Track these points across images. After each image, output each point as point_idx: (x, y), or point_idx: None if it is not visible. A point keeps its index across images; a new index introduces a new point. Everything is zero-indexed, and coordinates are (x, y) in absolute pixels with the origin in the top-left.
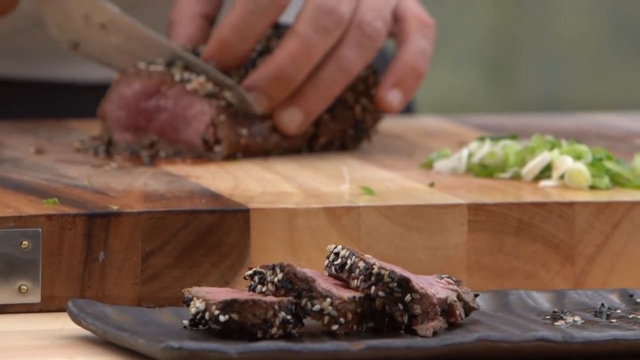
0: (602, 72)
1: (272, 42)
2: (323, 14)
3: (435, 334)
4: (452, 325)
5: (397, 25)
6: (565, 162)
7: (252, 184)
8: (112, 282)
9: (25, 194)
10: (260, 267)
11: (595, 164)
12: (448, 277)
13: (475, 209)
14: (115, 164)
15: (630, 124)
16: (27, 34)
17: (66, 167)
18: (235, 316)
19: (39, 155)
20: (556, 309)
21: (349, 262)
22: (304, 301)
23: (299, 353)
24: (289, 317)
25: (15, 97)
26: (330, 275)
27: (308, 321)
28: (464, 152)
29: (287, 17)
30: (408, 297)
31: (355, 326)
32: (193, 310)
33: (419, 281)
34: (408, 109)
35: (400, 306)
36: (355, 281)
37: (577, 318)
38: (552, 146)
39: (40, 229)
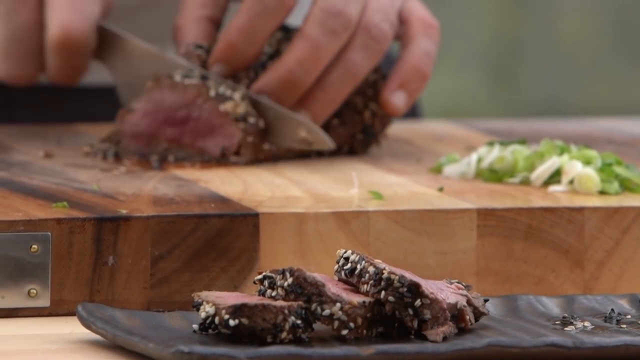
0: (604, 76)
1: (282, 45)
2: (331, 17)
3: (445, 339)
4: (462, 331)
5: (401, 27)
6: (574, 167)
7: (262, 189)
8: (121, 286)
9: (35, 198)
10: (270, 272)
11: (604, 169)
12: (458, 282)
13: (485, 214)
14: (124, 168)
15: (639, 128)
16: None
17: (75, 171)
18: (245, 321)
19: (48, 159)
20: (566, 314)
21: (358, 266)
22: (313, 306)
23: (308, 358)
24: (298, 321)
25: (23, 101)
26: (340, 280)
27: (318, 326)
28: (473, 157)
29: (294, 20)
30: (418, 302)
31: (365, 331)
32: (203, 314)
33: (429, 286)
34: (414, 113)
35: (410, 311)
36: (365, 286)
37: (587, 323)
38: (562, 151)
39: (49, 233)
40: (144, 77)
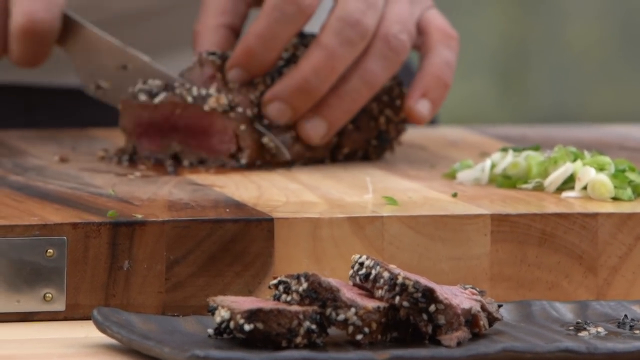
0: (612, 82)
1: (299, 51)
2: (348, 26)
3: (459, 344)
4: (476, 336)
5: (420, 37)
6: (588, 173)
7: (276, 194)
8: (136, 291)
9: (51, 202)
10: (285, 277)
11: (617, 176)
12: (472, 288)
13: (499, 220)
14: (139, 173)
15: None
16: None
17: (91, 176)
18: (260, 325)
19: (63, 164)
20: (579, 320)
21: (373, 272)
22: (328, 311)
23: None
24: (313, 326)
25: (41, 105)
26: (354, 285)
27: (332, 331)
28: (487, 163)
29: (312, 27)
30: (432, 308)
31: (379, 336)
32: (218, 319)
33: (443, 291)
34: (432, 120)
35: (425, 316)
36: (380, 291)
37: (600, 329)
38: (575, 157)
39: (65, 237)
40: (104, 66)
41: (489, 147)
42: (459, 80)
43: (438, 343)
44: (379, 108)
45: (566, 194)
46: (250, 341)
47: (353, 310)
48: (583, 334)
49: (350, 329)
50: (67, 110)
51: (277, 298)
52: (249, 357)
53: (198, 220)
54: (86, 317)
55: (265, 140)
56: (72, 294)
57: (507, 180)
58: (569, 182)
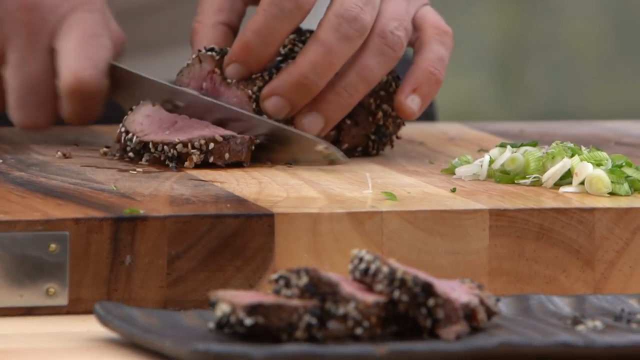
0: (609, 79)
1: (296, 47)
2: (346, 22)
3: (458, 338)
4: (475, 330)
5: (415, 33)
6: (585, 169)
7: (277, 189)
8: (138, 285)
9: (53, 197)
10: (286, 271)
11: (614, 171)
12: (470, 282)
13: (497, 215)
14: (141, 169)
15: None
16: None
17: (93, 172)
18: (260, 319)
19: (66, 160)
20: (577, 314)
21: (372, 266)
22: (328, 305)
23: (323, 356)
24: (313, 320)
25: None
26: (354, 279)
27: (332, 325)
28: (485, 159)
29: (309, 24)
30: (431, 302)
31: (379, 330)
32: (219, 313)
33: (442, 286)
34: (429, 116)
35: (424, 310)
36: (379, 285)
37: (597, 323)
38: (573, 153)
39: (67, 233)
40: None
41: (488, 143)
42: (457, 77)
43: (437, 337)
44: (377, 103)
45: (564, 189)
46: (251, 335)
47: (353, 304)
48: (580, 327)
49: (350, 323)
50: None
51: (277, 292)
52: (249, 351)
53: (199, 216)
54: (88, 312)
55: (319, 148)
56: (75, 289)
57: (505, 176)
58: (566, 178)
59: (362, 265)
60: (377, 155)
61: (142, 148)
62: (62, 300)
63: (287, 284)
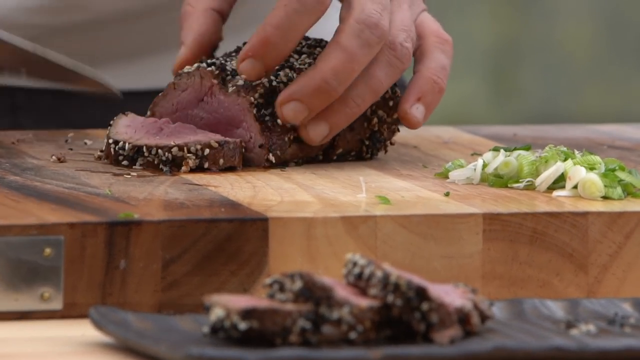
0: (603, 82)
1: (292, 57)
2: (368, 29)
3: (452, 342)
4: (468, 334)
5: (416, 41)
6: (578, 173)
7: (271, 193)
8: (133, 290)
9: (48, 202)
10: (280, 276)
11: (607, 175)
12: (464, 286)
13: (490, 219)
14: (135, 173)
15: None
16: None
17: (87, 176)
18: (255, 323)
19: (61, 164)
20: (570, 318)
21: (366, 271)
22: (322, 309)
23: None
24: (307, 325)
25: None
26: (348, 283)
27: (326, 329)
28: (479, 162)
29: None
30: (425, 306)
31: (373, 334)
32: (213, 317)
33: (436, 290)
34: None
35: (418, 315)
36: (373, 290)
37: (591, 327)
38: (566, 157)
39: (62, 237)
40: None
41: (481, 147)
42: (451, 80)
43: (431, 341)
44: (372, 109)
45: (557, 193)
46: (245, 339)
47: (347, 308)
48: (574, 331)
49: (344, 327)
50: (54, 112)
51: (271, 297)
52: (244, 355)
53: (193, 220)
54: (83, 316)
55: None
56: (69, 293)
57: (499, 180)
58: (559, 181)
59: (356, 270)
60: (371, 160)
61: (136, 153)
62: (57, 304)
63: (282, 288)
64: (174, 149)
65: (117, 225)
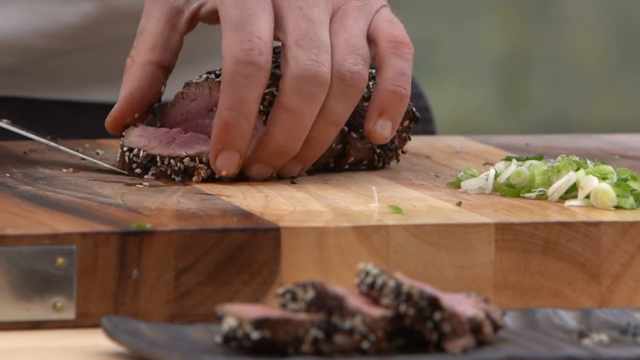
0: (614, 91)
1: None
2: (307, 83)
3: (464, 351)
4: (481, 343)
5: (371, 48)
6: (591, 182)
7: (283, 203)
8: (145, 299)
9: (60, 212)
10: (292, 285)
11: (620, 184)
12: (476, 295)
13: (503, 228)
14: (147, 183)
15: None
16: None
17: (100, 186)
18: (267, 333)
19: (73, 174)
20: (583, 327)
21: (379, 280)
22: (334, 319)
23: None
24: (320, 334)
25: (39, 117)
26: (360, 293)
27: (339, 338)
28: (491, 172)
29: None
30: (437, 316)
31: (385, 344)
32: (226, 327)
33: (448, 299)
34: (428, 132)
35: (430, 324)
36: (386, 299)
37: (603, 336)
38: (578, 166)
39: (74, 247)
40: None
41: (493, 157)
42: (461, 90)
43: (443, 351)
44: None
45: (569, 202)
46: (258, 349)
47: (359, 318)
48: (586, 341)
49: (356, 336)
50: (67, 123)
51: (284, 306)
52: None
53: (206, 230)
54: (95, 326)
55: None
56: (82, 303)
57: (511, 189)
58: (572, 191)
59: (369, 279)
60: (383, 169)
61: (150, 162)
62: (70, 314)
63: (294, 298)
64: (186, 159)
65: (130, 235)
